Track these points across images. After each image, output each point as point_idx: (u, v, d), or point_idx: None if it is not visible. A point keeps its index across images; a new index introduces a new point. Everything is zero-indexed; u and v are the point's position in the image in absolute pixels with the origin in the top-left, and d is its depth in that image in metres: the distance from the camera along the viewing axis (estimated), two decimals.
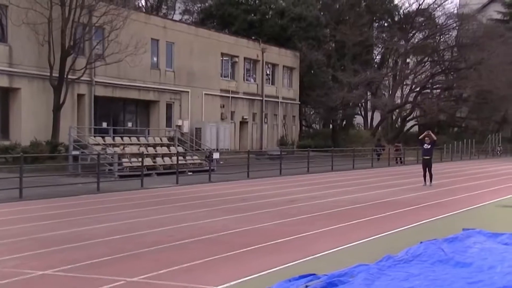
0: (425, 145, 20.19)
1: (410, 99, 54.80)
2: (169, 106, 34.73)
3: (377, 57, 59.55)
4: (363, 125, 59.95)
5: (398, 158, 38.97)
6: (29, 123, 26.11)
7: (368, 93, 55.15)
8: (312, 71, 47.16)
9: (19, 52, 25.85)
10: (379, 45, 57.65)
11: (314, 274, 6.31)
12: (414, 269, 6.59)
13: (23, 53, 25.98)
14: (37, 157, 22.91)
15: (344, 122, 52.23)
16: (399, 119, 57.92)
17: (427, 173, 20.22)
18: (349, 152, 35.55)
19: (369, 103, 57.67)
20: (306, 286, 5.65)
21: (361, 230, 10.69)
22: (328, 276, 6.12)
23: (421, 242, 8.19)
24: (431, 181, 20.18)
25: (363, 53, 52.35)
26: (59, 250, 8.50)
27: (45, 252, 8.35)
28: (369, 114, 60.03)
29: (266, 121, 42.98)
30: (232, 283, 6.60)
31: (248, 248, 8.71)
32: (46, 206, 14.03)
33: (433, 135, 20.70)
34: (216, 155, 26.78)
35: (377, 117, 57.68)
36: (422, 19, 56.03)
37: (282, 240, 9.50)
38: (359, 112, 59.34)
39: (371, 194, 17.38)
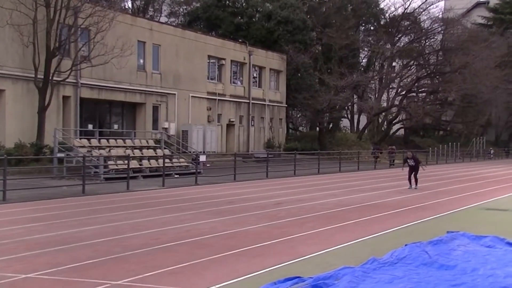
0: (410, 161, 21.38)
1: (396, 102, 55.13)
2: (155, 109, 34.60)
3: (363, 60, 59.88)
4: (349, 128, 60.21)
5: (392, 161, 40.06)
6: (13, 124, 25.86)
7: (355, 96, 55.42)
8: (299, 74, 47.27)
9: (3, 53, 25.61)
10: (366, 49, 57.99)
11: (299, 277, 6.32)
12: (399, 272, 6.63)
13: (7, 54, 25.74)
14: (21, 159, 22.71)
15: (331, 125, 52.38)
16: (385, 122, 58.26)
17: (412, 177, 21.20)
18: (336, 155, 35.67)
19: (355, 106, 57.94)
20: None
21: (347, 232, 10.73)
22: (313, 278, 6.13)
23: (406, 245, 8.24)
24: (416, 184, 21.03)
25: (350, 56, 52.61)
26: (43, 253, 8.43)
27: (29, 255, 8.27)
28: (356, 117, 60.31)
29: (253, 123, 42.99)
30: (217, 286, 6.59)
31: (234, 251, 8.70)
32: (31, 209, 13.90)
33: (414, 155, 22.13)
34: (202, 158, 26.73)
35: (363, 120, 57.95)
36: (408, 23, 56.49)
37: (268, 242, 9.50)
38: (346, 115, 59.59)
39: (357, 197, 17.46)
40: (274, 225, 11.55)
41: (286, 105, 47.43)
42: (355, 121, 60.42)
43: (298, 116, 55.39)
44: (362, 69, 55.83)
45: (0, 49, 25.49)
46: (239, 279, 6.93)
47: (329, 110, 48.49)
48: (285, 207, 14.70)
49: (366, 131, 55.25)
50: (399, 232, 10.88)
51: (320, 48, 51.85)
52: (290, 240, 9.81)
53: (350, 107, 58.24)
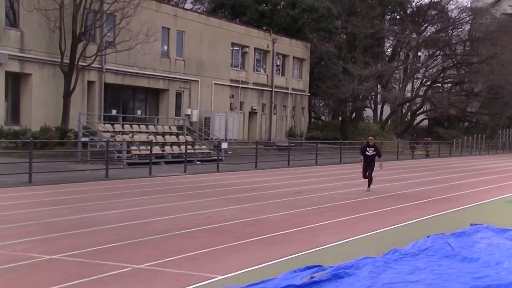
0: (369, 150, 16.16)
1: (421, 93, 54.46)
2: (178, 95, 34.74)
3: (388, 49, 59.18)
4: (372, 118, 59.72)
5: (427, 151, 41.37)
6: (39, 108, 26.22)
7: (378, 86, 54.88)
8: (323, 63, 46.95)
9: (31, 37, 25.92)
10: (391, 38, 57.23)
11: (320, 266, 6.30)
12: (420, 263, 6.57)
13: (35, 39, 26.04)
14: (47, 143, 23.02)
15: (354, 115, 52.04)
16: (409, 113, 57.62)
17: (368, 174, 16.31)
18: (358, 144, 35.42)
19: (379, 96, 57.41)
20: (312, 277, 5.64)
21: (368, 222, 10.67)
22: (334, 267, 6.11)
23: (428, 236, 8.16)
24: (369, 185, 16.20)
25: (374, 45, 52.03)
26: (67, 236, 8.55)
27: (53, 237, 8.40)
28: (379, 107, 59.78)
29: (275, 112, 42.90)
30: (237, 272, 6.61)
31: (254, 238, 8.72)
32: (55, 192, 14.12)
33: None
34: (224, 145, 26.79)
35: (386, 110, 57.42)
36: (435, 12, 55.56)
37: (288, 231, 9.50)
38: (369, 105, 59.12)
39: (378, 187, 17.33)
40: (294, 214, 11.55)
41: (309, 94, 47.19)
42: (379, 111, 59.89)
43: (321, 105, 55.09)
44: (387, 58, 55.19)
45: (28, 34, 25.79)
46: (259, 266, 6.95)
47: (352, 99, 48.16)
48: (306, 196, 14.67)
49: (389, 122, 54.72)
50: (421, 224, 10.78)
51: (344, 36, 51.38)
52: (310, 229, 9.80)
53: (373, 97, 57.73)
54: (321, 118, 56.87)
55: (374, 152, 16.17)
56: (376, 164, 16.82)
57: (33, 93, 26.28)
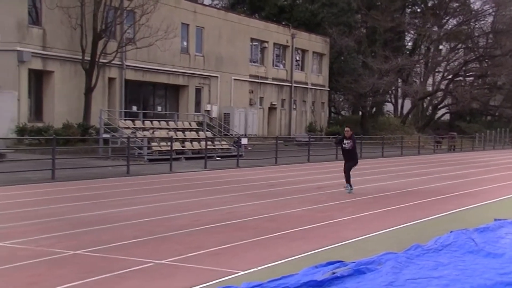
0: (346, 143, 14.42)
1: (442, 86, 53.81)
2: (198, 91, 34.86)
3: (408, 43, 58.57)
4: (393, 112, 59.23)
5: (453, 146, 41.60)
6: (61, 105, 26.54)
7: (399, 80, 54.39)
8: (342, 57, 46.68)
9: (53, 35, 26.22)
10: (411, 31, 56.64)
11: (341, 261, 6.28)
12: (443, 259, 6.51)
13: (56, 36, 26.34)
14: (69, 140, 23.30)
15: (374, 109, 51.66)
16: (430, 107, 57.01)
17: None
18: (378, 139, 35.21)
19: (399, 90, 56.89)
20: (333, 273, 5.63)
21: (389, 218, 10.60)
22: (355, 263, 6.09)
23: (451, 232, 8.08)
24: (349, 181, 14.42)
25: (395, 39, 51.54)
26: (90, 231, 8.66)
27: (76, 233, 8.51)
28: (400, 101, 59.26)
29: (295, 107, 42.81)
30: (258, 268, 6.62)
31: (275, 234, 8.72)
32: (77, 188, 14.29)
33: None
34: (244, 141, 26.84)
35: (407, 104, 56.89)
36: (457, 4, 54.76)
37: (309, 226, 9.48)
38: (389, 99, 58.64)
39: (400, 182, 17.21)
40: (315, 209, 11.52)
41: (329, 89, 46.99)
42: (399, 105, 59.38)
43: (341, 100, 54.82)
44: (407, 52, 54.64)
45: (50, 31, 26.11)
46: (280, 261, 6.95)
47: (372, 94, 47.83)
48: (326, 191, 14.63)
49: (410, 116, 54.22)
50: (443, 219, 10.67)
51: (364, 31, 50.98)
52: (331, 224, 9.77)
53: (394, 91, 57.25)
54: (341, 113, 56.59)
55: (351, 145, 14.14)
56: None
57: (55, 90, 26.62)
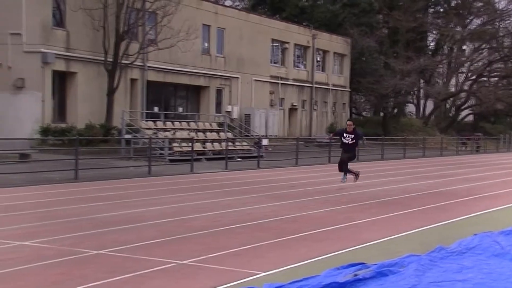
0: (346, 137, 14.00)
1: (465, 87, 53.13)
2: (219, 92, 34.96)
3: (431, 44, 57.94)
4: (415, 113, 58.66)
5: (477, 147, 41.76)
6: (84, 106, 26.85)
7: (421, 81, 53.85)
8: (364, 58, 46.39)
9: (76, 37, 26.55)
10: (434, 32, 56.03)
11: (363, 263, 6.23)
12: (468, 262, 6.41)
13: (80, 38, 26.65)
14: (91, 140, 23.56)
15: (395, 110, 51.25)
16: (453, 108, 56.33)
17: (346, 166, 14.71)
18: (400, 140, 34.91)
19: (422, 91, 56.31)
20: (355, 275, 5.58)
21: (412, 220, 10.49)
22: (377, 265, 6.03)
23: (475, 234, 7.96)
24: (346, 174, 14.65)
25: (417, 39, 51.03)
26: (112, 231, 8.73)
27: (98, 232, 8.59)
28: (422, 102, 58.66)
29: (315, 108, 42.67)
30: (279, 269, 6.60)
31: (296, 235, 8.69)
32: (100, 188, 14.43)
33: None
34: (265, 142, 26.84)
35: (430, 105, 56.29)
36: (481, 4, 54.01)
37: (331, 228, 9.43)
38: (411, 100, 58.09)
39: (422, 184, 17.03)
40: (336, 210, 11.46)
41: (350, 90, 46.74)
42: (421, 106, 58.79)
43: (362, 100, 54.48)
44: (430, 52, 54.07)
45: (73, 33, 26.44)
46: (301, 263, 6.92)
47: (394, 95, 47.43)
48: (348, 192, 14.54)
49: (432, 117, 53.65)
50: (467, 221, 10.52)
51: (386, 31, 50.59)
52: (353, 226, 9.70)
53: (416, 92, 56.69)
54: (362, 114, 56.25)
55: (354, 141, 13.66)
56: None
57: (79, 91, 26.93)
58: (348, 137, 13.67)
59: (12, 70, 25.22)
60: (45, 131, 24.52)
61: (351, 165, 15.40)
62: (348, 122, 14.20)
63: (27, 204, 11.44)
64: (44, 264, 6.64)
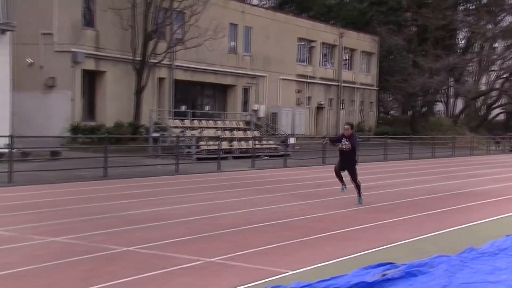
0: (344, 143, 11.84)
1: (497, 85, 52.14)
2: (245, 91, 35.02)
3: (461, 41, 56.99)
4: (444, 112, 57.81)
5: (510, 147, 41.75)
6: (113, 105, 27.19)
7: (450, 79, 53.02)
8: (392, 56, 45.93)
9: (105, 36, 26.90)
10: (464, 29, 55.09)
11: (392, 263, 6.17)
12: (501, 263, 6.28)
13: (109, 37, 27.00)
14: (120, 138, 23.84)
15: (424, 109, 50.60)
16: (484, 107, 55.34)
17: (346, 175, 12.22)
18: (429, 140, 34.47)
19: (451, 90, 55.45)
20: (384, 275, 5.53)
21: (440, 220, 10.34)
22: (406, 265, 5.97)
23: (508, 235, 7.81)
24: (359, 194, 12.12)
25: (446, 37, 50.26)
26: (140, 228, 8.82)
27: (127, 230, 8.69)
28: (451, 101, 57.78)
29: (343, 106, 42.41)
30: (307, 268, 6.58)
31: (323, 234, 8.65)
32: (129, 186, 14.60)
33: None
34: (291, 140, 26.78)
35: (459, 104, 55.43)
36: None
37: (358, 227, 9.37)
38: (440, 99, 57.26)
39: (451, 184, 16.78)
40: (363, 210, 11.37)
41: (377, 88, 46.32)
42: (451, 105, 57.91)
43: (390, 99, 53.93)
44: (460, 50, 53.20)
45: (103, 32, 26.80)
46: (328, 262, 6.89)
47: (422, 93, 46.85)
48: (374, 192, 14.42)
49: (462, 116, 52.80)
50: (499, 222, 10.33)
51: (414, 29, 49.98)
52: (380, 226, 9.62)
53: (445, 90, 55.85)
54: (390, 112, 55.68)
55: (350, 145, 11.62)
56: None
57: (107, 90, 27.29)
58: (345, 142, 11.65)
59: (44, 69, 25.70)
60: (75, 129, 24.92)
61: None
62: (345, 126, 12.10)
63: (58, 201, 11.64)
64: (74, 260, 6.74)
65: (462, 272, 5.78)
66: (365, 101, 44.85)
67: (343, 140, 11.81)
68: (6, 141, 17.42)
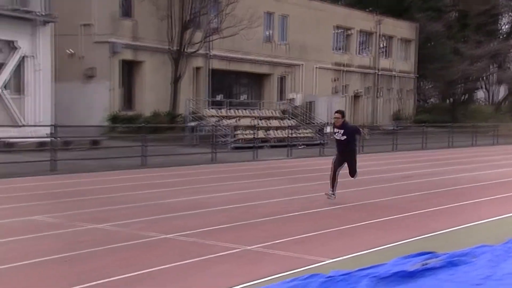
0: (337, 132, 10.45)
1: None
2: (281, 79, 34.91)
3: (504, 26, 55.34)
4: (486, 99, 56.40)
5: None
6: (150, 94, 27.53)
7: (493, 66, 51.62)
8: (431, 43, 45.01)
9: (143, 27, 27.19)
10: (507, 14, 53.46)
11: (432, 252, 6.07)
12: None
13: (146, 28, 27.28)
14: (158, 127, 24.14)
15: (464, 97, 49.47)
16: None
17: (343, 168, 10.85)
18: (469, 128, 33.71)
19: (493, 76, 54.00)
20: (424, 264, 5.45)
21: (483, 209, 10.12)
22: (448, 255, 5.85)
23: None
24: (353, 175, 10.94)
25: (488, 23, 48.87)
26: (178, 216, 8.92)
27: (165, 217, 8.80)
28: (493, 88, 56.29)
29: (381, 94, 41.84)
30: (346, 256, 6.54)
31: (362, 223, 8.58)
32: (167, 174, 14.77)
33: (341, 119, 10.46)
34: (328, 129, 26.56)
35: (502, 91, 53.97)
36: None
37: (397, 216, 9.25)
38: (481, 86, 55.87)
39: (493, 173, 16.38)
40: (402, 199, 11.22)
41: (416, 76, 45.51)
42: (493, 92, 56.44)
43: (429, 87, 52.92)
44: (504, 36, 51.67)
45: (140, 23, 27.10)
46: (368, 251, 6.83)
47: (463, 81, 45.80)
48: (414, 180, 14.21)
49: (505, 103, 51.42)
50: None
51: (455, 15, 48.80)
52: (419, 215, 9.48)
53: (487, 77, 54.45)
54: (429, 100, 54.67)
55: (345, 137, 10.18)
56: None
57: (145, 80, 27.62)
58: (338, 132, 10.24)
59: (84, 60, 26.17)
60: (114, 118, 25.34)
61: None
62: (335, 114, 10.43)
63: (99, 189, 11.88)
64: (115, 247, 6.87)
65: (506, 263, 5.63)
66: (403, 89, 44.13)
67: (335, 130, 10.34)
68: (49, 130, 17.84)
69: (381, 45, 42.42)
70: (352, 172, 10.86)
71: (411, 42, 44.28)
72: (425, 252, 5.99)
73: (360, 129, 11.13)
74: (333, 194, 10.42)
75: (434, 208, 10.13)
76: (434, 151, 25.47)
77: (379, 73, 41.52)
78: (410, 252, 6.33)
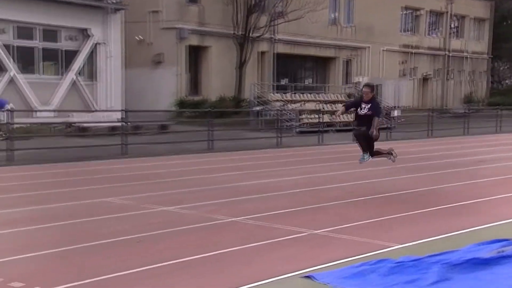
0: (363, 107, 9.83)
1: None
2: (347, 63, 34.37)
3: None
4: None
5: None
6: (216, 79, 27.84)
7: None
8: (507, 22, 42.88)
9: (208, 12, 27.46)
10: None
11: (508, 240, 5.85)
12: None
13: (211, 13, 27.52)
14: (223, 112, 24.42)
15: None
16: None
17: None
18: None
19: None
20: (500, 252, 5.26)
21: None
22: None
23: None
24: (371, 153, 10.35)
25: None
26: (245, 200, 9.03)
27: (233, 201, 8.93)
28: None
29: (451, 76, 40.40)
30: (415, 242, 6.41)
31: (431, 208, 8.37)
32: (233, 158, 14.96)
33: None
34: (396, 113, 26.01)
35: None
36: None
37: (468, 202, 8.96)
38: None
39: None
40: (474, 184, 10.85)
41: (490, 57, 43.57)
42: None
43: (504, 68, 50.56)
44: None
45: (206, 8, 27.39)
46: (437, 237, 6.66)
47: None
48: (488, 165, 13.69)
49: None
50: None
51: None
52: (492, 201, 9.14)
53: None
54: (504, 82, 52.25)
55: (370, 111, 9.69)
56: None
57: (211, 65, 27.94)
58: (365, 107, 9.76)
59: (152, 46, 26.78)
60: (181, 103, 25.84)
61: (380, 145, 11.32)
62: (364, 89, 9.98)
63: (168, 173, 12.20)
64: (184, 229, 7.05)
65: None
66: (476, 71, 42.40)
67: (362, 105, 9.78)
68: (120, 115, 18.45)
69: (452, 25, 40.86)
70: (369, 149, 10.16)
71: (485, 21, 42.36)
72: (500, 240, 5.78)
73: (377, 118, 9.81)
74: (363, 159, 10.22)
75: (507, 194, 9.72)
76: (509, 134, 24.38)
77: (450, 54, 40.06)
78: (482, 239, 6.14)
